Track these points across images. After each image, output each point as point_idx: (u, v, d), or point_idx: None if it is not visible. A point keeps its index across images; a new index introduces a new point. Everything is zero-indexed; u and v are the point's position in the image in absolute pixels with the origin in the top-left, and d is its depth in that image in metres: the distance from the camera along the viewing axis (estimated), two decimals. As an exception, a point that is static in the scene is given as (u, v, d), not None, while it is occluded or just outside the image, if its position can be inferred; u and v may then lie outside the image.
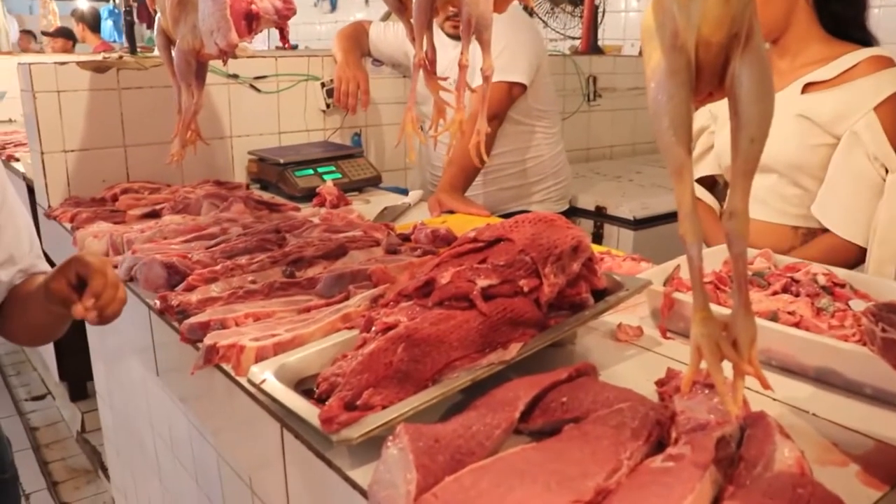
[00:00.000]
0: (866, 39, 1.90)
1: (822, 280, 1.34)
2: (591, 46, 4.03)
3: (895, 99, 1.78)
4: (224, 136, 2.55)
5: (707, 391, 0.99)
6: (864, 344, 1.14)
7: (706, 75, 0.85)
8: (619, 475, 0.84)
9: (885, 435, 1.02)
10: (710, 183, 2.15)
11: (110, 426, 2.70)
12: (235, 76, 2.54)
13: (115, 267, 1.55)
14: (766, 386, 0.86)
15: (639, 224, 2.90)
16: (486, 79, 1.21)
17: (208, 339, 1.21)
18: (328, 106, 2.78)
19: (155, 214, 2.06)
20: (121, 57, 2.44)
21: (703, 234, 0.83)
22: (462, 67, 1.16)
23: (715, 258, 1.46)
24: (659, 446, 0.92)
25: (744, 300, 0.84)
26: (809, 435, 1.02)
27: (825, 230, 1.85)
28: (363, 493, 0.88)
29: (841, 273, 1.38)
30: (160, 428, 2.07)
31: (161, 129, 2.27)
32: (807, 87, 1.87)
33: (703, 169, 2.12)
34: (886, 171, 1.78)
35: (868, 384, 1.12)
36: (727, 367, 0.83)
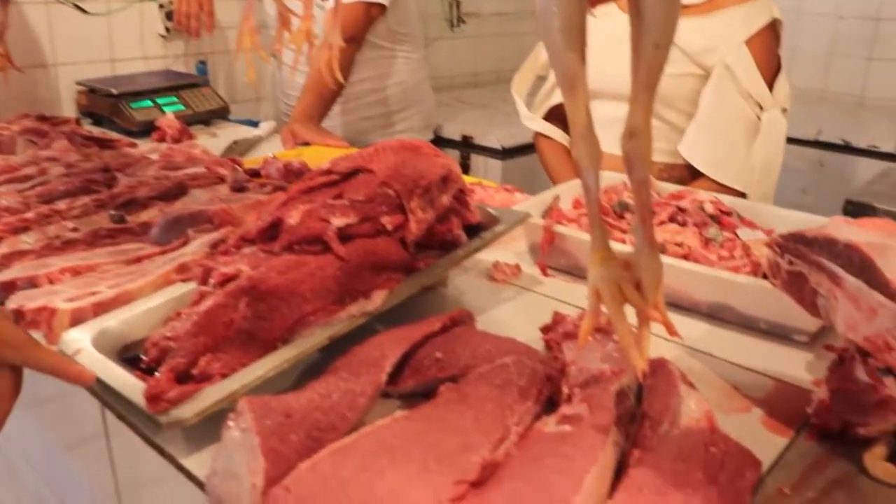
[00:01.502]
0: None
1: (709, 208, 1.24)
2: (455, -33, 3.84)
3: (767, 32, 1.71)
4: (45, 64, 2.25)
5: (599, 336, 0.88)
6: (759, 276, 1.06)
7: (600, -30, 0.71)
8: (507, 444, 0.71)
9: (784, 373, 0.95)
10: (562, 117, 2.03)
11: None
12: (55, -6, 2.24)
13: None
14: (672, 332, 0.75)
15: (507, 153, 2.78)
16: (337, -15, 1.03)
17: (12, 303, 1.00)
18: (168, 30, 2.51)
19: (-42, 157, 1.78)
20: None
21: (600, 160, 0.69)
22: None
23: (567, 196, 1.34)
24: (550, 404, 0.80)
25: (648, 236, 0.71)
26: (709, 379, 0.93)
27: (688, 166, 1.76)
28: (201, 485, 0.72)
29: (727, 200, 1.29)
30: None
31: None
32: None
33: (556, 98, 1.98)
34: (761, 109, 1.71)
35: (763, 318, 1.04)
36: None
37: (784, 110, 1.72)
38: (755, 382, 0.93)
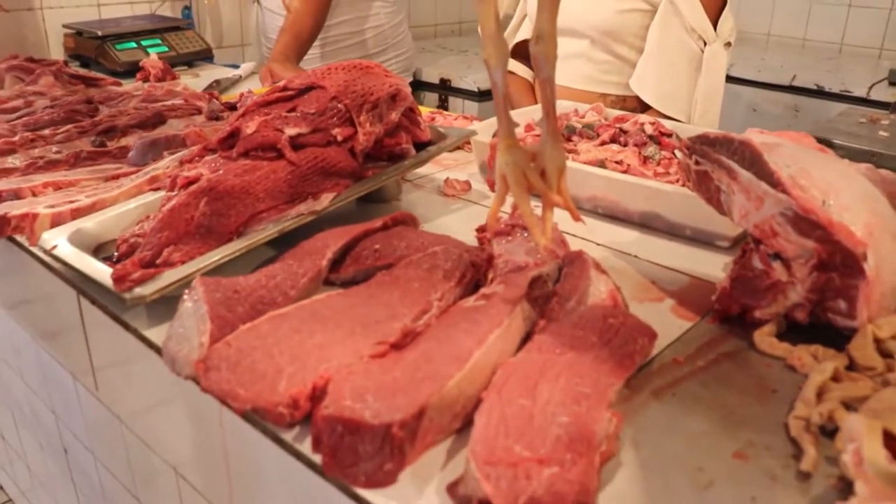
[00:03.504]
0: None
1: (649, 129, 1.32)
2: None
3: None
4: (33, 7, 2.32)
5: (525, 233, 0.97)
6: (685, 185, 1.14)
7: None
8: (428, 316, 0.80)
9: (701, 272, 1.03)
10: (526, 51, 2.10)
11: None
12: (41, -65, 2.30)
13: None
14: (576, 218, 0.83)
15: (483, 95, 2.85)
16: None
17: (-2, 209, 1.09)
18: (153, -24, 2.58)
19: (-49, 93, 1.86)
20: None
21: (506, 58, 0.77)
22: None
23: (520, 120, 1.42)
24: (476, 289, 0.89)
25: (551, 128, 0.80)
26: (629, 274, 1.02)
27: (636, 98, 1.84)
28: (160, 351, 0.81)
29: (668, 124, 1.37)
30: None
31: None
32: None
33: (520, 35, 2.06)
34: (705, 44, 1.78)
35: (688, 225, 1.12)
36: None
37: (728, 45, 1.79)
38: (672, 279, 1.02)
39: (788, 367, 0.79)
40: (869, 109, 2.60)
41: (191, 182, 0.98)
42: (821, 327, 0.83)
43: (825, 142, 2.03)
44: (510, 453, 0.59)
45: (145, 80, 2.05)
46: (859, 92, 2.85)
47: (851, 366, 0.75)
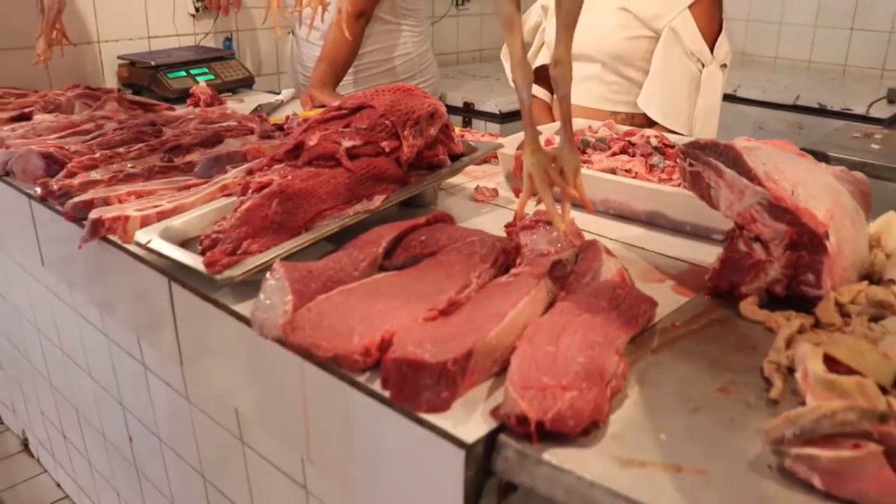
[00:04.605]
0: None
1: (654, 142, 1.50)
2: (460, -50, 4.10)
3: None
4: (91, 41, 2.53)
5: (548, 227, 1.14)
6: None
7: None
8: (468, 290, 0.98)
9: (698, 259, 1.20)
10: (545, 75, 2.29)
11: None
12: (100, -23, 2.52)
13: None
14: (589, 208, 1.01)
15: (504, 117, 3.05)
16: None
17: (93, 214, 1.27)
18: (197, 10, 2.79)
19: (25, 118, 2.05)
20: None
21: (531, 80, 0.95)
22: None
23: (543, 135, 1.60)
24: (506, 271, 1.06)
25: (568, 136, 0.98)
26: (636, 262, 1.19)
27: (643, 115, 2.03)
28: (247, 321, 0.99)
29: (672, 137, 1.55)
30: (47, 331, 2.11)
31: (21, 34, 2.24)
32: None
33: (539, 60, 2.26)
34: (703, 66, 1.97)
35: (688, 222, 1.29)
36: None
37: (723, 66, 1.98)
38: (673, 265, 1.19)
39: (767, 329, 0.96)
40: (865, 125, 2.77)
41: (264, 186, 1.16)
42: (796, 299, 1.00)
43: (821, 154, 2.21)
44: (540, 381, 0.76)
45: (196, 105, 2.24)
46: (859, 110, 3.02)
47: (817, 324, 0.92)
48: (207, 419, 1.44)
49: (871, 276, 1.01)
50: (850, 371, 0.71)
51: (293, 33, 2.81)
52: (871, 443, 0.64)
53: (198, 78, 2.45)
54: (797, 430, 0.66)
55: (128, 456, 1.91)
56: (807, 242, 0.95)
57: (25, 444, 2.77)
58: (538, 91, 2.26)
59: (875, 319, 0.90)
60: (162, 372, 1.55)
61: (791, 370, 0.84)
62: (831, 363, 0.72)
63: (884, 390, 0.69)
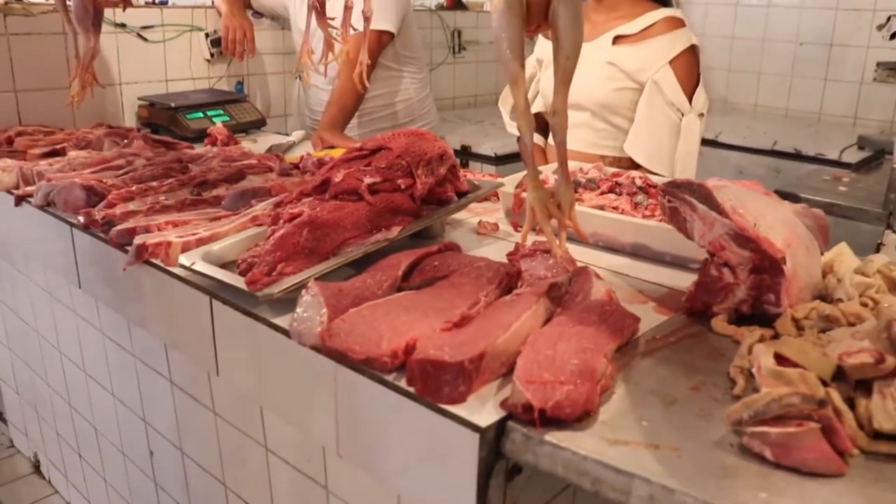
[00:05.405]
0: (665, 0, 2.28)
1: (639, 182, 1.67)
2: (456, 2, 4.31)
3: (685, 55, 2.18)
4: (114, 83, 2.71)
5: (545, 255, 1.30)
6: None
7: (534, 11, 1.15)
8: (478, 307, 1.13)
9: (677, 285, 1.36)
10: (542, 125, 2.46)
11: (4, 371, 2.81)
12: (123, 25, 2.70)
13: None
14: (582, 237, 1.17)
15: (500, 160, 3.23)
16: (366, 19, 1.47)
17: (138, 240, 1.43)
18: (212, 55, 2.96)
19: (56, 153, 2.21)
20: (6, 3, 2.54)
21: (533, 126, 1.12)
22: (347, 9, 1.42)
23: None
24: (509, 292, 1.22)
25: (564, 174, 1.14)
26: (622, 287, 1.35)
27: (629, 158, 2.22)
28: (286, 332, 1.14)
29: (655, 178, 1.72)
30: (71, 353, 2.24)
31: (52, 75, 2.41)
32: (616, 40, 2.23)
33: (534, 108, 2.45)
34: (682, 115, 2.16)
35: (669, 252, 1.45)
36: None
37: (701, 115, 2.17)
38: (655, 289, 1.35)
39: (735, 342, 1.12)
40: (836, 169, 2.96)
41: (295, 217, 1.32)
42: (760, 317, 1.16)
43: (793, 195, 2.38)
44: (542, 377, 0.92)
45: (213, 144, 2.41)
46: (832, 155, 3.22)
47: (776, 336, 1.08)
48: (232, 429, 1.58)
49: (825, 297, 1.18)
50: (795, 366, 0.87)
51: (300, 77, 2.99)
52: (811, 422, 0.80)
53: (214, 119, 2.62)
54: (752, 413, 0.81)
55: (147, 470, 2.03)
56: (767, 267, 1.11)
57: (37, 467, 2.87)
58: (536, 138, 2.44)
59: (824, 331, 1.06)
60: (189, 386, 1.69)
61: (751, 373, 1.00)
62: (781, 360, 0.88)
63: (824, 383, 0.85)
